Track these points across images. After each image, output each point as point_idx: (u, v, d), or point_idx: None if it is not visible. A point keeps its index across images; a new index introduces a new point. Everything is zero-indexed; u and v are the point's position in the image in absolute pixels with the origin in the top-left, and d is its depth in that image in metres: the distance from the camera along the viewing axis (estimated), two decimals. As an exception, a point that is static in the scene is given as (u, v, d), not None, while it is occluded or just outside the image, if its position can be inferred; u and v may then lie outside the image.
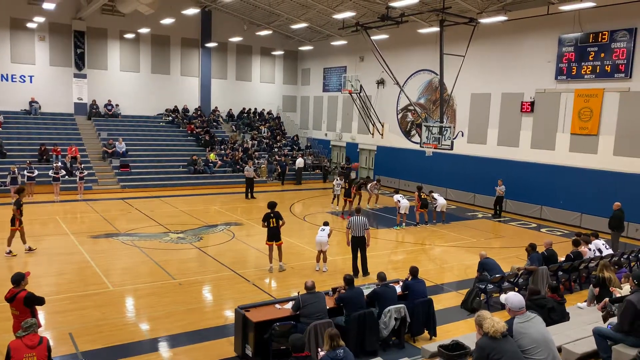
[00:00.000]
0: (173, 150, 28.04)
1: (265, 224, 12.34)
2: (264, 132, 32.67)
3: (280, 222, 12.44)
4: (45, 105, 27.73)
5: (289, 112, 36.13)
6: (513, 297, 6.11)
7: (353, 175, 27.91)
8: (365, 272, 12.38)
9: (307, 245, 14.89)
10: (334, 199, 21.45)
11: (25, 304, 7.03)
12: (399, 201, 18.42)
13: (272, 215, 12.32)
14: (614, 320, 7.53)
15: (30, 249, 13.48)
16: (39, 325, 6.73)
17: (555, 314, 8.46)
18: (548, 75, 20.43)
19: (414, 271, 9.24)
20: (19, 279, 7.17)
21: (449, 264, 14.23)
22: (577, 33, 19.33)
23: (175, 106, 31.44)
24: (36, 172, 21.41)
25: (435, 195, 19.73)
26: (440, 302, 10.61)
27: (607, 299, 8.66)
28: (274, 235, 12.40)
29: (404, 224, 18.51)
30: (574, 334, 7.74)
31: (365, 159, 30.62)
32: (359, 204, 20.98)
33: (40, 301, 7.22)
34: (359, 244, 12.33)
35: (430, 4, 21.76)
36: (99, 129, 27.83)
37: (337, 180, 21.60)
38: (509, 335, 5.65)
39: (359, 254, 12.45)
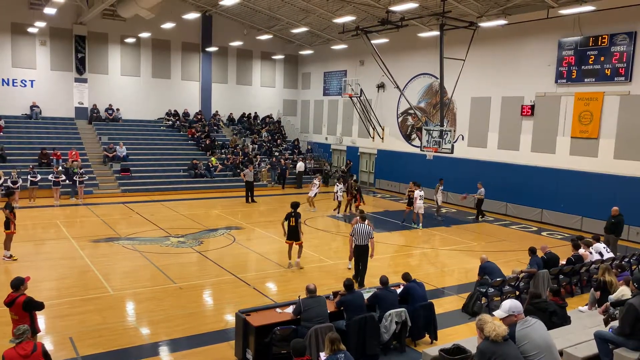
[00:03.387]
0: (174, 155, 28.06)
1: (286, 222, 12.69)
2: (265, 136, 32.70)
3: (299, 221, 12.84)
4: (46, 109, 27.79)
5: (290, 116, 36.18)
6: (512, 304, 5.98)
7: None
8: (361, 284, 11.69)
9: (308, 249, 14.87)
10: (338, 206, 21.20)
11: (24, 308, 7.01)
12: (417, 198, 18.76)
13: (292, 214, 12.74)
14: (615, 323, 7.52)
15: (10, 257, 13.06)
16: (38, 330, 6.70)
17: (557, 318, 8.44)
18: (548, 79, 20.46)
19: (406, 276, 9.26)
20: (18, 284, 7.15)
21: (449, 268, 14.21)
22: (577, 37, 19.37)
23: (176, 110, 31.48)
24: (39, 177, 21.47)
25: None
26: (441, 306, 10.58)
27: (608, 303, 8.65)
28: (292, 235, 12.80)
29: (420, 224, 18.98)
30: (575, 338, 7.71)
31: (365, 163, 30.63)
32: (348, 209, 21.14)
33: (39, 306, 7.19)
34: (361, 253, 11.91)
35: (430, 8, 21.81)
36: (100, 133, 27.87)
37: (337, 185, 21.41)
38: (511, 339, 5.63)
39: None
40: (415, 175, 25.30)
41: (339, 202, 21.07)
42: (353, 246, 11.99)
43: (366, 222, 12.09)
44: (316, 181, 22.64)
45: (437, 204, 21.15)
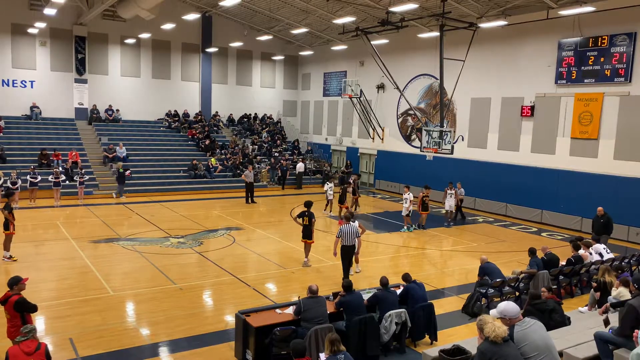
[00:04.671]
0: (173, 155, 28.06)
1: (300, 220, 13.29)
2: (265, 137, 32.71)
3: (313, 220, 13.26)
4: (46, 110, 27.79)
5: (290, 116, 36.20)
6: (506, 306, 5.98)
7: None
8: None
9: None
10: (327, 204, 21.46)
11: (14, 308, 6.97)
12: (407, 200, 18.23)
13: (306, 213, 13.14)
14: (615, 324, 7.52)
15: (10, 258, 13.05)
16: None
17: (557, 315, 8.46)
18: (548, 80, 20.47)
19: (405, 277, 9.28)
20: (12, 283, 7.14)
21: (449, 269, 14.21)
22: (576, 37, 19.38)
23: (176, 111, 31.49)
24: (39, 178, 21.49)
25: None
26: (441, 307, 10.58)
27: (608, 304, 8.65)
28: (304, 234, 13.32)
29: (407, 226, 18.54)
30: (575, 339, 7.72)
31: (365, 164, 30.64)
32: (356, 208, 21.18)
33: (32, 308, 7.11)
34: (349, 253, 12.02)
35: (430, 8, 21.82)
36: (100, 133, 27.88)
37: (328, 184, 21.81)
38: (510, 340, 5.63)
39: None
40: (415, 176, 25.38)
41: (329, 201, 21.32)
42: (339, 246, 12.05)
43: (357, 223, 12.41)
44: (351, 180, 22.09)
45: (445, 209, 20.14)
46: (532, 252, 11.59)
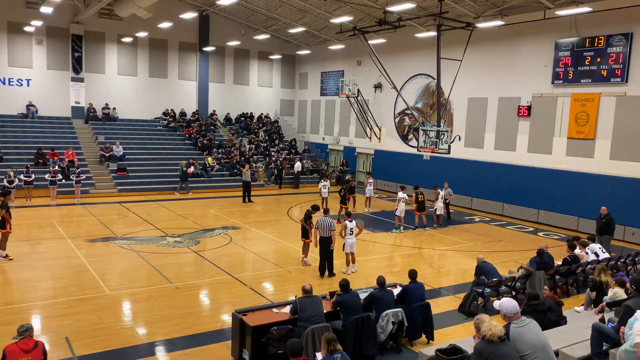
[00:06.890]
0: (170, 154, 27.99)
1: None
2: (262, 136, 32.68)
3: (308, 221, 13.72)
4: (42, 108, 27.70)
5: (287, 116, 36.17)
6: (507, 303, 6.07)
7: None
8: (331, 273, 12.70)
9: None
10: (322, 202, 21.42)
11: None
12: (400, 200, 18.08)
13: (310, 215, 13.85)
14: (613, 318, 7.57)
15: (6, 257, 13.01)
16: None
17: (553, 314, 8.47)
18: (545, 80, 20.51)
19: (412, 274, 9.27)
20: None
21: (446, 268, 14.23)
22: (573, 38, 19.43)
23: (173, 110, 31.43)
24: (33, 177, 21.41)
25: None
26: (438, 306, 10.60)
27: (604, 303, 8.69)
28: (305, 233, 13.77)
29: (401, 227, 18.40)
30: (571, 338, 7.73)
31: (362, 163, 30.65)
32: (353, 206, 21.24)
33: None
34: (326, 245, 12.61)
35: (428, 8, 21.84)
36: (97, 132, 27.80)
37: (322, 182, 22.00)
38: (507, 339, 5.65)
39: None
40: (412, 175, 25.38)
41: (324, 199, 21.41)
42: (318, 237, 12.72)
43: (354, 222, 13.03)
44: (371, 179, 22.28)
45: (436, 212, 19.42)
46: (539, 253, 11.58)
